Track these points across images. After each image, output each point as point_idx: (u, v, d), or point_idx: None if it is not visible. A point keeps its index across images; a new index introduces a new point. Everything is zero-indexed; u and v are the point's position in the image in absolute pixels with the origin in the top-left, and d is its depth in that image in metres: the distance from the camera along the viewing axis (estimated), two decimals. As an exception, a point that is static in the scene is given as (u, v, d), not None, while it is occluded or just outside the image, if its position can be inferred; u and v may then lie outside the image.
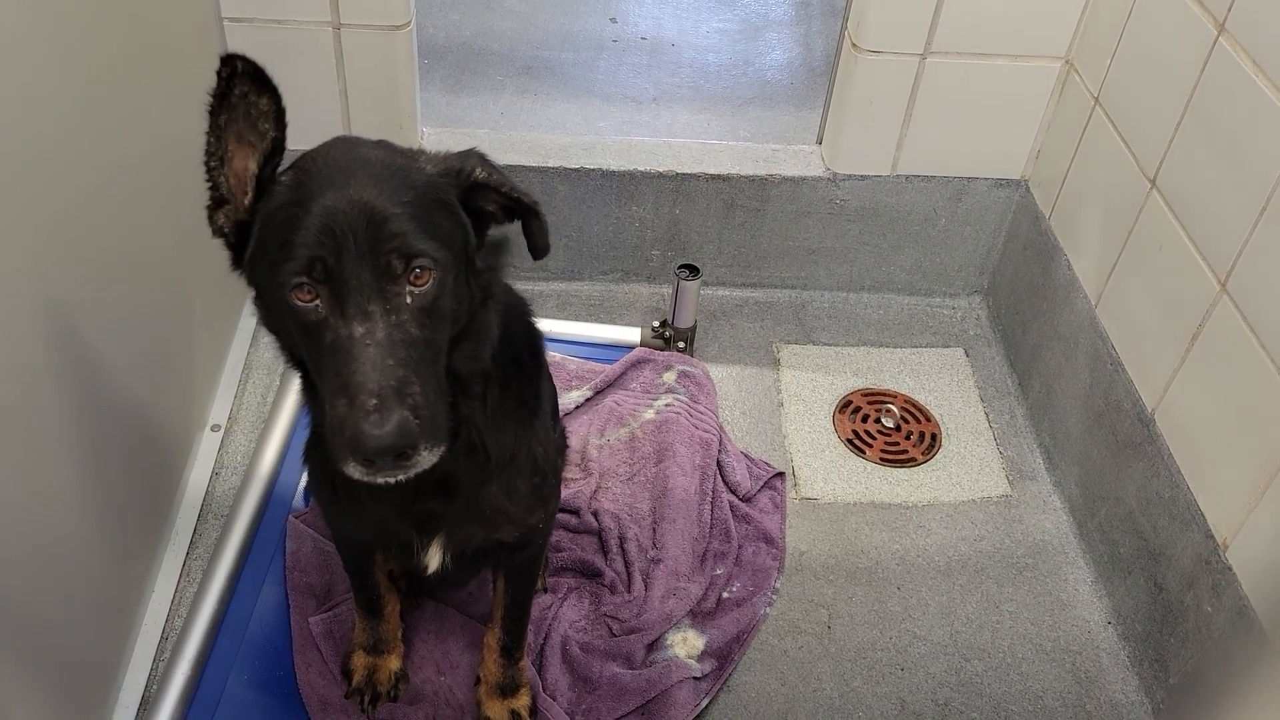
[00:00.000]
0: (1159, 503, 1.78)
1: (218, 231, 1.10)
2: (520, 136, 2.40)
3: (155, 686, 1.62)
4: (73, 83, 1.46)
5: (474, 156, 1.12)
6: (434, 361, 1.06)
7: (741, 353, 2.36)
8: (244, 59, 1.00)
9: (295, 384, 2.07)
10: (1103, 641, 1.87)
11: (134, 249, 1.67)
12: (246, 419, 2.06)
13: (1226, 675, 1.59)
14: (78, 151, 1.47)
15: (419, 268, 1.03)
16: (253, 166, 1.05)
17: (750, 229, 2.42)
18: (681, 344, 2.29)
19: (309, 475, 1.42)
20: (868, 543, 1.99)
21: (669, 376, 2.21)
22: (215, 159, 1.06)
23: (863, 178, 2.34)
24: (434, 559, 1.35)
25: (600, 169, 2.32)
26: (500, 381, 1.25)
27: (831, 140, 2.35)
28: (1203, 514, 1.67)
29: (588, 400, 2.15)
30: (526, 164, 2.30)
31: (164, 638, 1.70)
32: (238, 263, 1.11)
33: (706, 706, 1.70)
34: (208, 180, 1.07)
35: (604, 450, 2.05)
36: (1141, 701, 1.78)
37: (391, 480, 1.03)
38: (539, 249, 1.18)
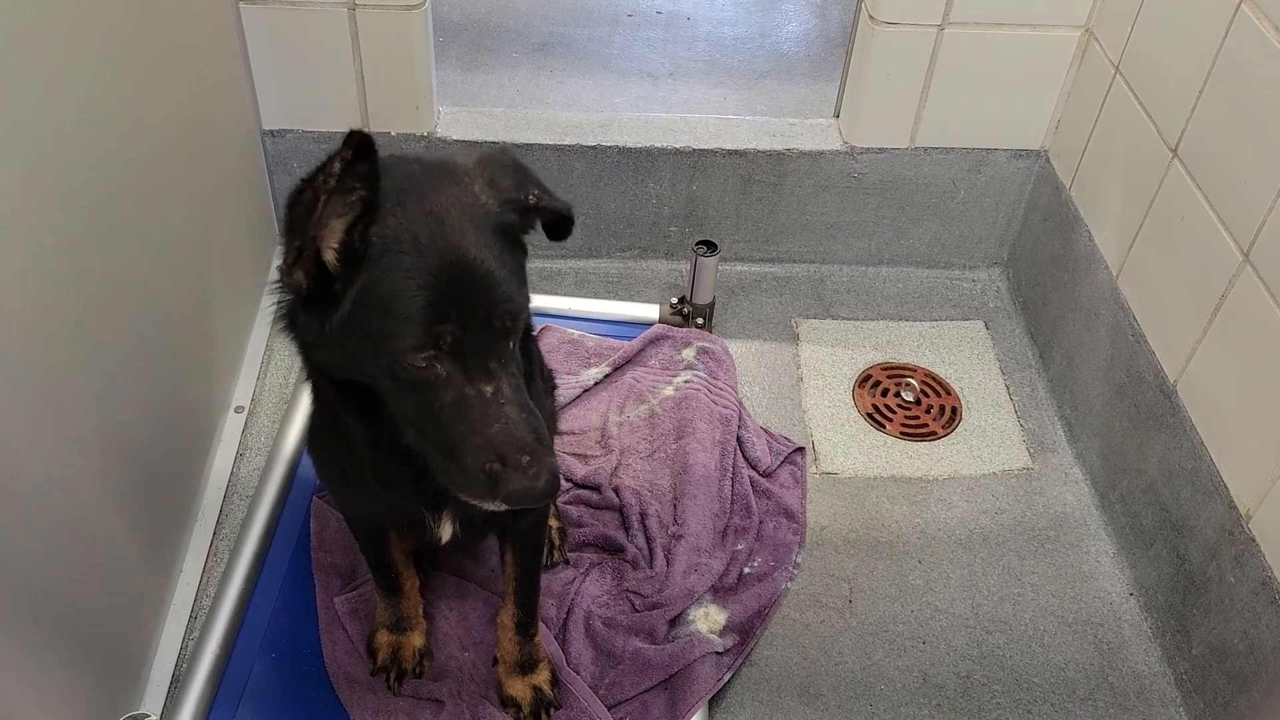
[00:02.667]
0: (1181, 474, 1.77)
1: (294, 289, 1.07)
2: (536, 114, 2.39)
3: (185, 665, 1.65)
4: (91, 69, 1.46)
5: (523, 178, 1.15)
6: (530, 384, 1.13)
7: (760, 328, 2.36)
8: (363, 136, 0.96)
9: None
10: (1125, 613, 1.87)
11: (155, 234, 1.68)
12: (269, 400, 2.08)
13: (1249, 646, 1.59)
14: (97, 138, 1.48)
15: (522, 318, 1.09)
16: (339, 228, 1.02)
17: (768, 204, 2.41)
18: (700, 320, 2.29)
19: (317, 465, 1.45)
20: (888, 517, 2.00)
21: (688, 353, 2.21)
22: (315, 229, 1.01)
23: (881, 150, 2.33)
24: (446, 530, 1.39)
25: (617, 146, 2.31)
26: None
27: (849, 113, 2.33)
28: (1225, 485, 1.66)
29: (606, 377, 2.15)
30: (543, 142, 2.30)
31: (193, 617, 1.73)
32: (307, 308, 1.08)
33: (729, 680, 1.71)
34: (293, 245, 1.03)
35: (624, 427, 2.06)
36: (1164, 672, 1.78)
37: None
38: (562, 239, 1.23)
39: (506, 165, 1.15)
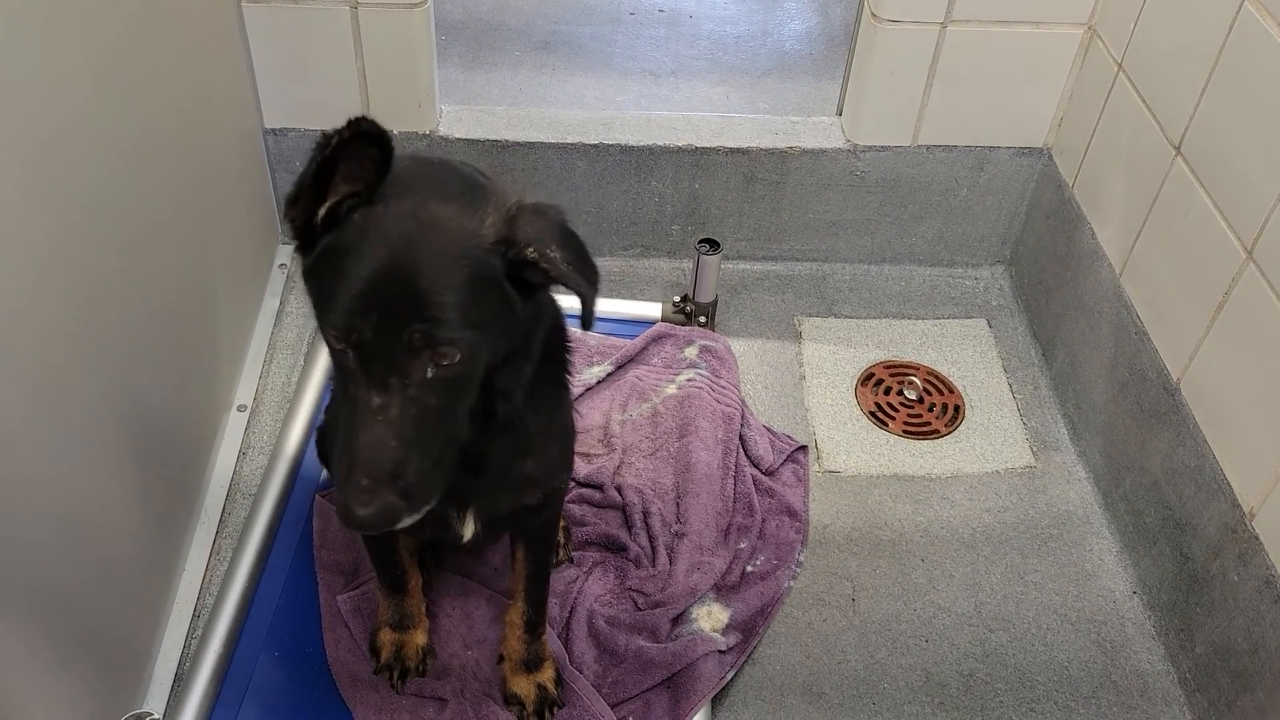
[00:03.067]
0: (1184, 472, 1.77)
1: (290, 220, 1.08)
2: (538, 113, 2.39)
3: (188, 663, 1.65)
4: (93, 68, 1.46)
5: (528, 226, 1.06)
6: (447, 422, 1.09)
7: (763, 326, 2.36)
8: (367, 120, 0.99)
9: (320, 364, 2.09)
10: (1128, 611, 1.87)
11: (157, 233, 1.68)
12: (272, 399, 2.08)
13: (1253, 645, 1.59)
14: (99, 137, 1.48)
15: (445, 351, 1.03)
16: (342, 190, 1.04)
17: (770, 202, 2.41)
18: (703, 319, 2.29)
19: (333, 453, 1.44)
20: (891, 515, 2.00)
21: (690, 351, 2.21)
22: (315, 186, 1.03)
23: (883, 148, 2.33)
24: (469, 528, 1.39)
25: (619, 144, 2.31)
26: (537, 368, 1.26)
27: (852, 111, 2.33)
28: (1229, 483, 1.66)
29: (609, 376, 2.15)
30: (545, 140, 2.30)
31: (196, 615, 1.73)
32: (303, 251, 1.10)
33: (731, 679, 1.71)
34: (297, 183, 1.04)
35: (626, 426, 2.06)
36: (1167, 671, 1.78)
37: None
38: (585, 325, 1.14)
39: (542, 215, 1.07)
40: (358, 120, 0.99)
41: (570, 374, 1.40)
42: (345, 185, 1.04)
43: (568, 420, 1.44)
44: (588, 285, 1.09)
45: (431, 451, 1.08)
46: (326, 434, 1.45)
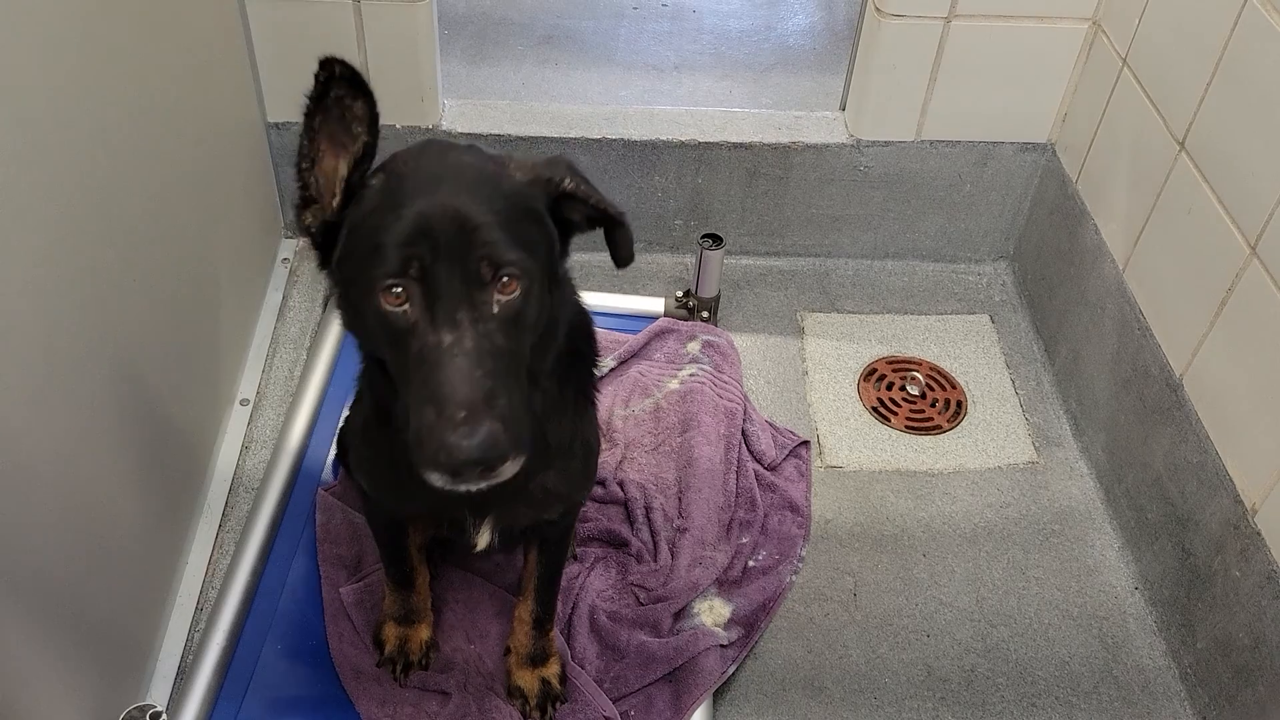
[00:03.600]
0: (1187, 468, 1.77)
1: (304, 230, 1.10)
2: (541, 107, 2.39)
3: (191, 657, 1.65)
4: (97, 62, 1.46)
5: (562, 165, 1.12)
6: (518, 372, 1.06)
7: (765, 321, 2.36)
8: (342, 62, 1.00)
9: (323, 358, 2.09)
10: (1130, 607, 1.87)
11: (160, 227, 1.68)
12: (274, 393, 2.08)
13: (1255, 640, 1.59)
14: (102, 131, 1.48)
15: (507, 276, 1.03)
16: (343, 169, 1.05)
17: (773, 197, 2.41)
18: (705, 314, 2.29)
19: (360, 459, 1.43)
20: (893, 510, 2.00)
21: (693, 346, 2.21)
22: (307, 160, 1.05)
23: (887, 144, 2.33)
24: (484, 538, 1.38)
25: (622, 139, 2.31)
26: (560, 373, 1.27)
27: (855, 106, 2.33)
28: (1231, 479, 1.66)
29: (611, 371, 2.15)
30: (548, 135, 2.30)
31: (199, 609, 1.73)
32: (324, 263, 1.12)
33: (733, 674, 1.71)
34: (298, 180, 1.06)
35: (629, 421, 2.06)
36: (1169, 666, 1.78)
37: (471, 488, 1.02)
38: (622, 259, 1.19)
39: (558, 162, 1.13)
40: (329, 62, 0.99)
41: (596, 388, 1.38)
42: (336, 147, 1.04)
43: (591, 435, 1.42)
44: (619, 210, 1.14)
45: (515, 392, 1.04)
46: (347, 436, 1.43)
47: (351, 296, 1.08)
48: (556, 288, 1.14)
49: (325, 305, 2.24)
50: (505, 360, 1.04)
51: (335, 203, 1.07)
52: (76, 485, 1.39)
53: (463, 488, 1.02)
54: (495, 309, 1.03)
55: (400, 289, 1.01)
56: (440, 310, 1.01)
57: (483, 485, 1.02)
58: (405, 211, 1.02)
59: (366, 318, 1.06)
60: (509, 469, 1.02)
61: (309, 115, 1.03)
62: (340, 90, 1.01)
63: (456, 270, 1.01)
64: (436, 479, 1.01)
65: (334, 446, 1.97)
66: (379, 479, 1.42)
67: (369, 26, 2.11)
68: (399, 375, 1.06)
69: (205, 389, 1.91)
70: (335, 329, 2.17)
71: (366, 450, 1.41)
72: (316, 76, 1.00)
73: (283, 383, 2.10)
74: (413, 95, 2.22)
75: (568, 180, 1.11)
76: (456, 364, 1.00)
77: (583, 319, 1.36)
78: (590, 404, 1.37)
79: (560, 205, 1.12)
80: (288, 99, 2.21)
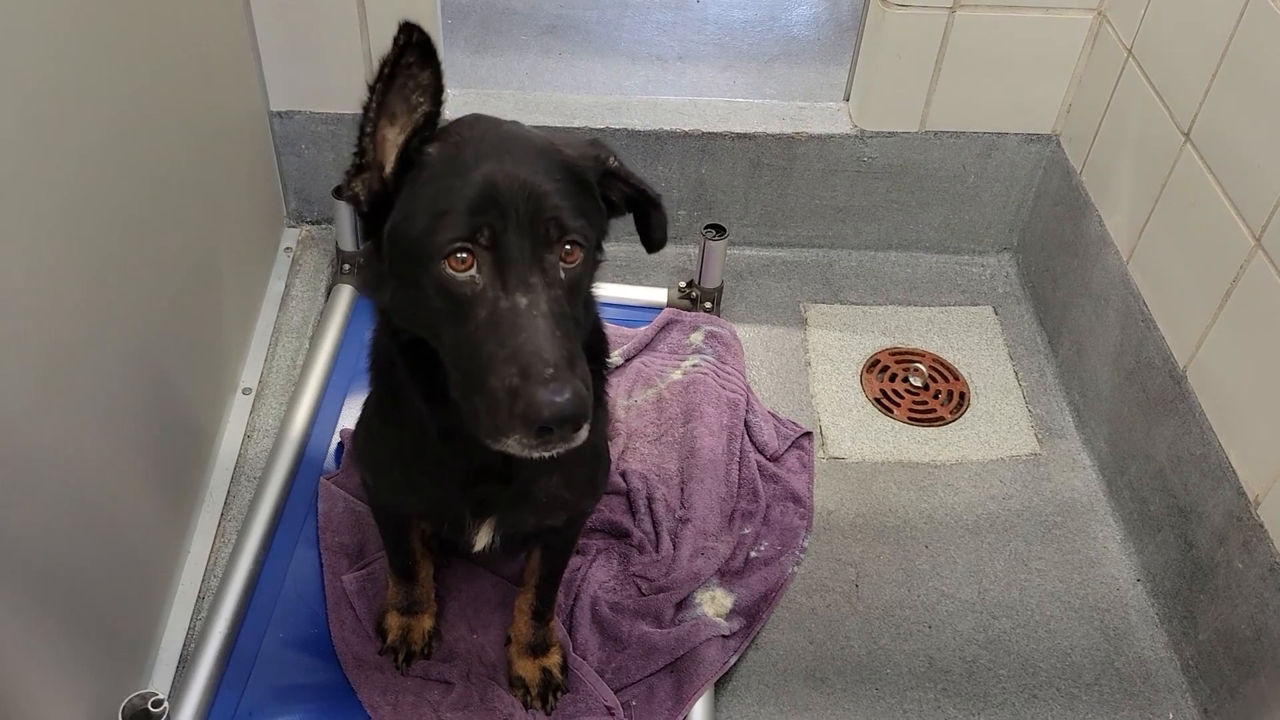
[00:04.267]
0: (1190, 460, 1.77)
1: (352, 199, 1.10)
2: (545, 97, 2.39)
3: (193, 645, 1.66)
4: (99, 51, 1.46)
5: (604, 145, 1.15)
6: (580, 336, 1.07)
7: (769, 312, 2.35)
8: (419, 29, 1.01)
9: (325, 348, 2.09)
10: (1131, 599, 1.86)
11: (163, 216, 1.68)
12: (277, 382, 2.08)
13: (1256, 632, 1.59)
14: (105, 120, 1.48)
15: (570, 244, 1.04)
16: (400, 137, 1.05)
17: (777, 188, 2.40)
18: (708, 304, 2.29)
19: (366, 454, 1.42)
20: (895, 502, 2.00)
21: (696, 337, 2.21)
22: (370, 124, 1.05)
23: (891, 134, 2.32)
24: (483, 539, 1.37)
25: (626, 129, 2.30)
26: None
27: (859, 97, 2.32)
28: (1234, 471, 1.66)
29: (617, 367, 2.15)
30: (552, 125, 2.29)
31: (200, 597, 1.73)
32: (370, 233, 1.11)
33: (735, 664, 1.71)
34: (356, 145, 1.07)
35: (631, 411, 2.06)
36: (1170, 658, 1.78)
37: (546, 453, 1.01)
38: (655, 242, 1.21)
39: (600, 143, 1.16)
40: (409, 27, 1.00)
41: (606, 389, 1.37)
42: (398, 114, 1.04)
43: (601, 441, 1.41)
44: (656, 191, 1.17)
45: (580, 356, 1.03)
46: (358, 440, 1.43)
47: (404, 266, 1.07)
48: (595, 266, 1.15)
49: (328, 294, 2.24)
50: (570, 325, 1.04)
51: (389, 171, 1.07)
52: (78, 474, 1.39)
53: (545, 452, 1.01)
54: (561, 274, 1.04)
55: (467, 255, 1.01)
56: (512, 275, 1.01)
57: (559, 450, 1.01)
58: (472, 177, 1.02)
59: (423, 287, 1.04)
60: (584, 432, 1.01)
61: (378, 79, 1.03)
62: (411, 57, 1.02)
63: (527, 235, 1.01)
64: (518, 442, 0.99)
65: (336, 436, 1.97)
66: (381, 473, 1.41)
67: (372, 15, 2.10)
68: (456, 348, 1.04)
69: (207, 378, 1.91)
70: (338, 318, 2.17)
71: (369, 444, 1.40)
72: (395, 40, 1.01)
73: (285, 372, 2.10)
74: (416, 84, 2.21)
75: (612, 159, 1.14)
76: (537, 325, 0.99)
77: (595, 319, 1.35)
78: (600, 406, 1.35)
79: (604, 183, 1.14)
80: (291, 87, 2.21)
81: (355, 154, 1.07)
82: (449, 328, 1.05)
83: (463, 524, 1.36)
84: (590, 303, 1.22)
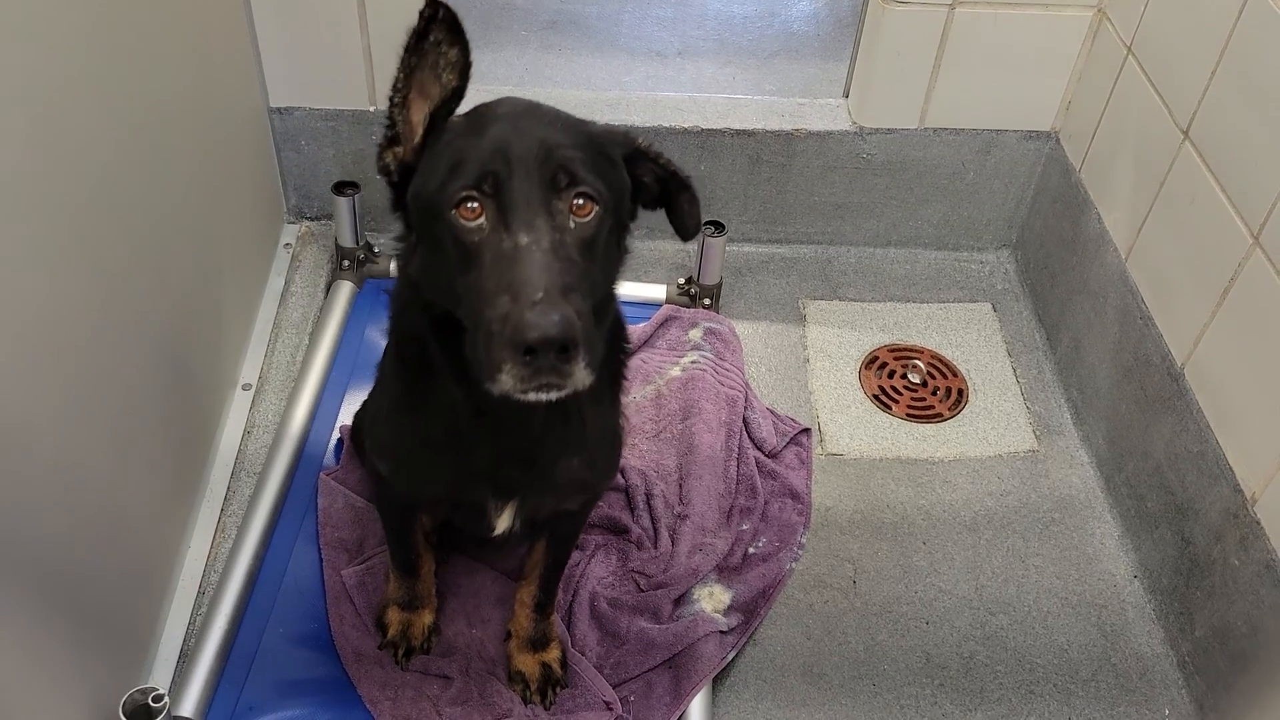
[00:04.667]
0: (1187, 457, 1.77)
1: (384, 170, 1.14)
2: (545, 93, 2.35)
3: (193, 640, 1.66)
4: (99, 47, 1.46)
5: (633, 131, 1.18)
6: (589, 295, 1.05)
7: (767, 309, 2.36)
8: (445, 6, 1.04)
9: (324, 343, 2.09)
10: (1129, 595, 1.87)
11: (163, 212, 1.68)
12: (276, 378, 2.08)
13: (1252, 628, 1.59)
14: (105, 115, 1.48)
15: (582, 197, 1.05)
16: (427, 111, 1.09)
17: (776, 184, 2.40)
18: (707, 301, 2.29)
19: (384, 442, 1.41)
20: (893, 498, 2.00)
21: (695, 334, 2.21)
22: (399, 96, 1.09)
23: (890, 131, 2.32)
24: (504, 523, 1.38)
25: (625, 125, 2.30)
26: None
27: (858, 93, 2.32)
28: (1231, 468, 1.66)
29: (614, 357, 2.15)
30: (551, 121, 2.29)
31: (201, 592, 1.74)
32: (398, 204, 1.15)
33: (733, 660, 1.72)
34: (387, 117, 1.10)
35: (630, 408, 2.06)
36: (1166, 654, 1.79)
37: (541, 397, 1.01)
38: (689, 228, 1.22)
39: (630, 130, 1.19)
40: (434, 3, 1.03)
41: (625, 379, 1.38)
42: (426, 90, 1.08)
43: (618, 426, 1.43)
44: (686, 173, 1.19)
45: (585, 305, 1.02)
46: (363, 423, 1.43)
47: (424, 226, 1.10)
48: (622, 249, 1.17)
49: (328, 290, 2.25)
50: (579, 274, 1.03)
51: (416, 144, 1.10)
52: (79, 469, 1.40)
53: (531, 394, 1.00)
54: (571, 224, 1.05)
55: (476, 204, 1.03)
56: (516, 218, 1.03)
57: (551, 396, 1.01)
58: (488, 133, 1.06)
59: (441, 243, 1.07)
60: (579, 373, 1.00)
61: (407, 53, 1.06)
62: (439, 34, 1.05)
63: (534, 181, 1.03)
64: (510, 374, 0.99)
65: (335, 432, 1.97)
66: (403, 463, 1.40)
67: (371, 11, 2.10)
68: (466, 297, 1.05)
69: (207, 374, 1.91)
70: (337, 314, 2.17)
71: (392, 433, 1.39)
72: (421, 13, 1.04)
73: (284, 368, 2.10)
74: (415, 80, 2.21)
75: (641, 138, 1.16)
76: (534, 257, 1.00)
77: (616, 307, 1.36)
78: (621, 393, 1.38)
79: (632, 162, 1.15)
80: (290, 84, 2.21)
81: (386, 127, 1.11)
82: (462, 279, 1.06)
83: (484, 509, 1.36)
84: (612, 266, 1.20)
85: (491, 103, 1.13)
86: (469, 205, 1.03)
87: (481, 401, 1.15)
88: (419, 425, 1.31)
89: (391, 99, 1.09)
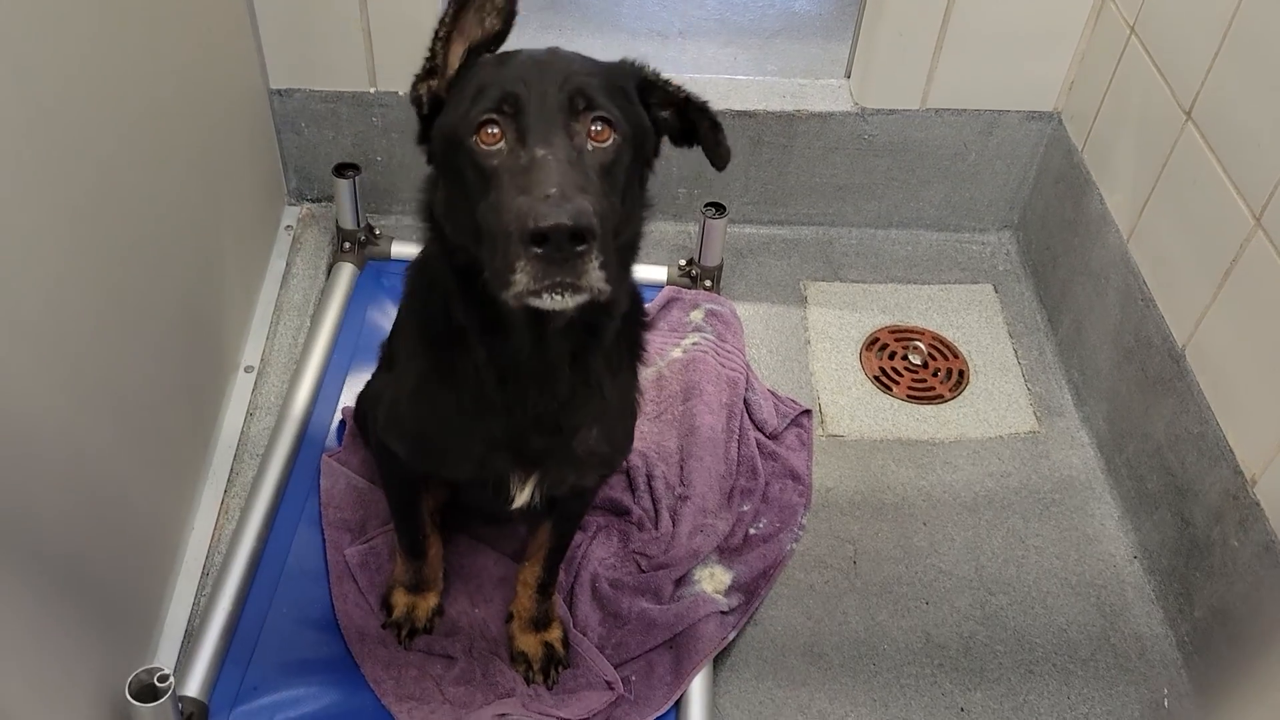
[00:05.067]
0: (1188, 439, 1.78)
1: (415, 100, 1.17)
2: (545, 74, 2.37)
3: (198, 621, 1.67)
4: (98, 30, 1.46)
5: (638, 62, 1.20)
6: (608, 218, 1.03)
7: (769, 290, 2.36)
8: None
9: (326, 325, 2.09)
10: (1128, 576, 1.88)
11: (164, 195, 1.68)
12: (278, 360, 2.09)
13: (1251, 609, 1.60)
14: (104, 99, 1.47)
15: (600, 123, 1.07)
16: (465, 48, 1.13)
17: (777, 165, 2.40)
18: (708, 282, 2.29)
19: (414, 417, 1.39)
20: (894, 479, 2.01)
21: (696, 315, 2.21)
22: (444, 30, 1.13)
23: (891, 112, 2.31)
24: (524, 496, 1.38)
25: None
26: (617, 334, 1.27)
27: (860, 74, 2.31)
28: (1231, 450, 1.67)
29: (615, 339, 2.15)
30: (552, 102, 2.28)
31: (205, 574, 1.75)
32: (424, 137, 1.19)
33: (734, 640, 1.73)
34: (429, 48, 1.14)
35: (632, 389, 2.06)
36: (1165, 634, 1.79)
37: (557, 301, 0.99)
38: (721, 156, 1.23)
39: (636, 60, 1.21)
40: None
41: (643, 355, 1.40)
42: (470, 29, 1.12)
43: (634, 400, 1.44)
44: (702, 98, 1.19)
45: (607, 229, 1.02)
46: (369, 405, 1.43)
47: (447, 157, 1.12)
48: (643, 189, 1.19)
49: (329, 272, 2.25)
50: (596, 192, 1.02)
51: (449, 77, 1.14)
52: (82, 452, 1.40)
53: (547, 295, 0.99)
54: (589, 147, 1.06)
55: (496, 128, 1.05)
56: (533, 135, 1.04)
57: (568, 300, 1.00)
58: (511, 64, 1.10)
59: (462, 172, 1.08)
60: (595, 273, 0.98)
61: (455, 6, 1.10)
62: None
63: (551, 103, 1.05)
64: (525, 273, 0.97)
65: (337, 413, 1.98)
66: (426, 438, 1.39)
67: (372, -8, 2.10)
68: (486, 224, 1.04)
69: (209, 356, 1.92)
70: (339, 296, 2.17)
71: (416, 411, 1.37)
72: None
73: (286, 349, 2.11)
74: (415, 61, 2.20)
75: (652, 71, 1.18)
76: (550, 164, 1.01)
77: (632, 281, 1.37)
78: (639, 363, 1.40)
79: (644, 92, 1.17)
80: (290, 66, 2.20)
81: (427, 58, 1.15)
82: (482, 204, 1.06)
83: (506, 481, 1.36)
84: (633, 205, 1.19)
85: (532, 51, 1.16)
86: (489, 130, 1.05)
87: (506, 361, 1.19)
88: (450, 401, 1.31)
89: (436, 32, 1.13)
